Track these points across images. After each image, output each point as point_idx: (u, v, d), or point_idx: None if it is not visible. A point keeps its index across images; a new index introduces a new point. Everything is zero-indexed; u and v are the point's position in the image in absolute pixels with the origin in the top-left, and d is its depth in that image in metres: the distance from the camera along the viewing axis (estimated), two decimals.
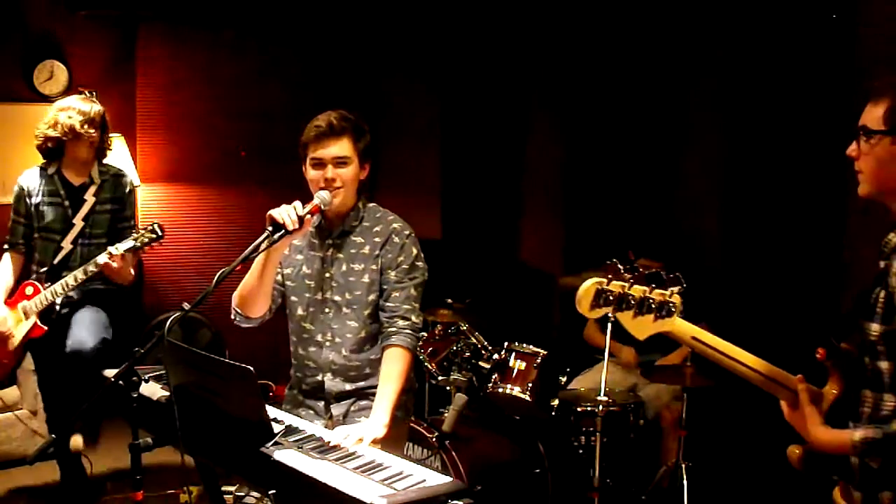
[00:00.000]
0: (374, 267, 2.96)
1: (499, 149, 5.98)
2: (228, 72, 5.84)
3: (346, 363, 2.98)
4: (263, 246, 2.74)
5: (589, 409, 4.11)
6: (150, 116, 5.74)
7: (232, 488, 3.23)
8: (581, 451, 4.18)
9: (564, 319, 5.67)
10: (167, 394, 2.64)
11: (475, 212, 6.06)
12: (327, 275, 3.00)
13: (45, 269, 4.12)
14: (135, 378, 2.55)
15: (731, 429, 4.44)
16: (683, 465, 4.14)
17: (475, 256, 5.89)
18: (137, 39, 5.67)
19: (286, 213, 2.73)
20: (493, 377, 4.17)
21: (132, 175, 5.14)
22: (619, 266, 1.99)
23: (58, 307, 4.10)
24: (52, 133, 4.05)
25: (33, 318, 4.07)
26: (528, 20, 5.66)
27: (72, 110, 4.06)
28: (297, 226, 2.73)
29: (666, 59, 5.13)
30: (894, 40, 3.87)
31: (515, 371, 4.14)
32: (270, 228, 2.73)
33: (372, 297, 2.96)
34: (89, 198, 4.14)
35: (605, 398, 4.03)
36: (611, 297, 1.96)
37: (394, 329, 2.92)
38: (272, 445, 2.38)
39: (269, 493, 2.33)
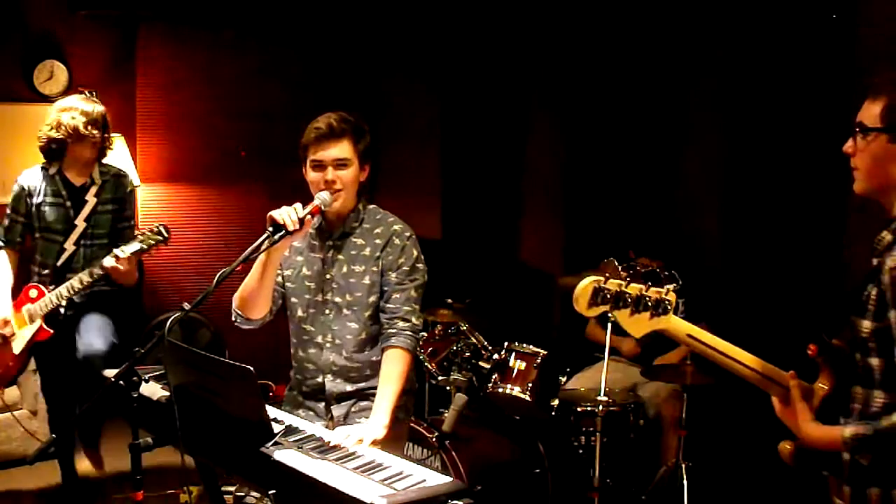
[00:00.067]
0: (374, 268, 2.96)
1: (499, 149, 5.98)
2: (228, 72, 5.84)
3: (347, 364, 2.98)
4: (264, 246, 2.74)
5: (589, 409, 4.11)
6: (150, 116, 5.74)
7: (232, 488, 3.23)
8: (581, 451, 4.18)
9: (564, 319, 5.67)
10: (167, 394, 2.64)
11: (475, 212, 6.06)
12: (328, 276, 3.00)
13: (47, 270, 4.11)
14: (135, 378, 2.55)
15: (731, 428, 4.45)
16: (683, 465, 4.15)
17: (475, 256, 5.89)
18: (137, 39, 5.67)
19: (286, 214, 2.73)
20: (493, 377, 4.17)
21: (132, 175, 5.13)
22: (616, 264, 2.00)
23: (62, 310, 4.09)
24: (55, 134, 4.03)
25: (39, 322, 4.06)
26: (528, 20, 5.66)
27: (74, 111, 4.04)
28: (297, 226, 2.73)
29: (666, 59, 5.13)
30: (894, 40, 3.87)
31: (515, 371, 4.14)
32: (271, 229, 2.73)
33: (372, 298, 2.96)
34: (91, 198, 4.13)
35: (605, 398, 4.03)
36: (608, 296, 1.97)
37: (394, 330, 2.92)
38: (272, 445, 2.38)
39: (269, 493, 2.33)
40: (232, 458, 2.51)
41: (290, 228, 2.72)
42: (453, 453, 3.82)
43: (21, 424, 4.77)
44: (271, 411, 2.66)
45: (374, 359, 2.98)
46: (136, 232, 4.08)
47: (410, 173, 6.14)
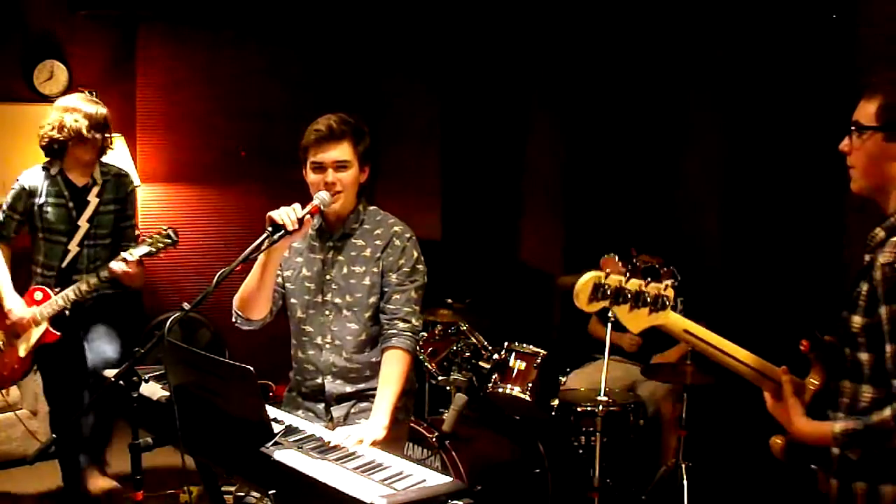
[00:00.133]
0: (375, 269, 2.96)
1: (499, 149, 5.98)
2: (228, 72, 5.84)
3: (347, 365, 2.98)
4: (264, 246, 2.74)
5: (589, 409, 4.11)
6: (150, 116, 5.74)
7: (232, 488, 3.23)
8: (581, 451, 4.18)
9: (564, 319, 5.67)
10: (167, 394, 2.65)
11: (475, 212, 6.06)
12: (327, 277, 3.00)
13: (51, 272, 4.10)
14: (135, 378, 2.55)
15: (731, 428, 4.45)
16: (683, 465, 4.15)
17: (475, 256, 5.89)
18: (137, 39, 5.67)
19: (285, 214, 2.73)
20: (493, 377, 4.17)
21: (132, 175, 5.13)
22: (617, 259, 2.01)
23: (66, 311, 4.08)
24: (56, 135, 4.01)
25: (45, 324, 4.05)
26: (528, 20, 5.66)
27: (77, 113, 4.01)
28: (296, 226, 2.74)
29: (666, 59, 5.13)
30: (894, 40, 3.88)
31: (515, 371, 4.14)
32: (270, 229, 2.74)
33: (372, 299, 2.96)
34: (93, 199, 4.12)
35: (605, 398, 4.03)
36: (608, 291, 1.99)
37: (394, 331, 2.92)
38: (272, 445, 2.38)
39: (269, 493, 2.33)
40: (232, 458, 2.51)
41: (290, 228, 2.72)
42: (453, 453, 3.82)
43: (23, 423, 4.78)
44: (271, 411, 2.66)
45: (373, 360, 2.98)
46: (145, 235, 4.08)
47: (410, 174, 6.14)
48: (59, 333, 4.07)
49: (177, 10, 5.62)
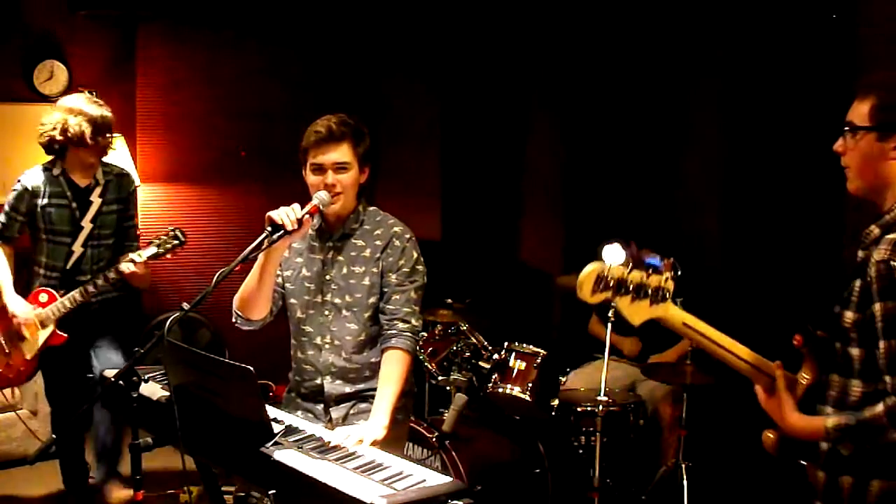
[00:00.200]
0: (374, 270, 2.96)
1: (499, 149, 5.98)
2: (228, 72, 5.84)
3: (346, 365, 2.98)
4: (263, 246, 2.74)
5: (589, 409, 4.11)
6: (150, 116, 5.74)
7: (232, 488, 3.23)
8: (581, 451, 4.18)
9: (564, 319, 5.68)
10: (167, 394, 2.65)
11: (475, 212, 6.06)
12: (327, 277, 3.00)
13: (55, 273, 4.08)
14: (135, 378, 2.55)
15: (731, 428, 4.44)
16: (683, 465, 4.15)
17: (475, 256, 5.89)
18: (137, 39, 5.66)
19: (284, 214, 2.73)
20: (493, 377, 4.17)
21: (132, 175, 5.13)
22: (621, 249, 2.02)
23: (71, 314, 4.07)
24: (59, 137, 3.95)
25: (51, 327, 4.04)
26: (528, 20, 5.66)
27: (81, 116, 3.95)
28: (295, 226, 2.74)
29: (666, 59, 5.13)
30: (894, 40, 3.88)
31: (515, 371, 4.14)
32: (269, 229, 2.74)
33: (372, 299, 2.96)
34: (95, 199, 4.11)
35: (605, 398, 4.03)
36: (610, 282, 2.00)
37: (394, 331, 2.92)
38: (272, 445, 2.39)
39: (269, 493, 2.33)
40: (232, 458, 2.51)
41: (289, 228, 2.72)
42: (453, 453, 3.82)
43: (23, 422, 4.78)
44: (271, 411, 2.66)
45: (372, 360, 2.98)
46: (153, 237, 4.09)
47: (410, 174, 6.14)
48: (66, 335, 4.06)
49: (177, 10, 5.61)
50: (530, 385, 4.08)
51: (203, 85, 5.81)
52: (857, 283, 2.11)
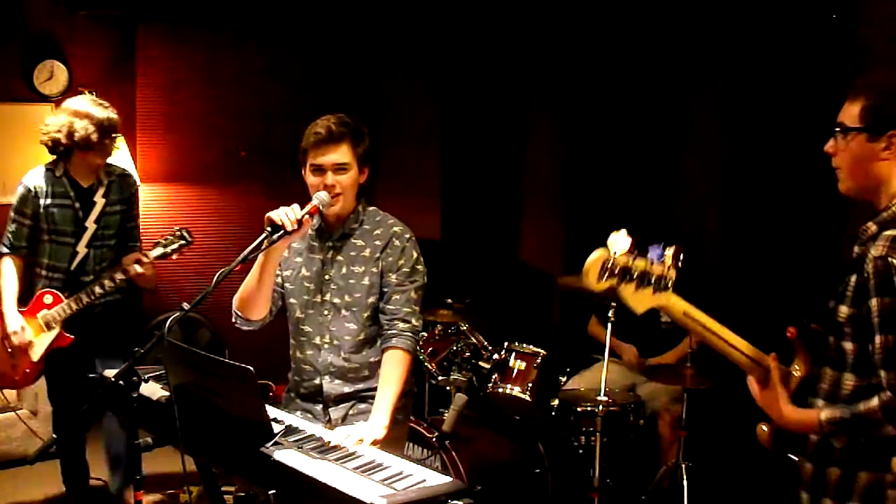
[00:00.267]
0: (374, 270, 2.96)
1: (499, 149, 5.98)
2: (228, 72, 5.84)
3: (345, 365, 2.98)
4: (263, 246, 2.74)
5: (589, 409, 4.11)
6: (150, 116, 5.74)
7: (232, 488, 3.23)
8: (581, 451, 4.18)
9: (564, 319, 5.67)
10: (167, 394, 2.64)
11: (475, 212, 6.06)
12: (326, 277, 3.00)
13: (58, 274, 4.05)
14: (135, 378, 2.55)
15: (731, 429, 4.44)
16: (683, 465, 4.15)
17: (475, 256, 5.89)
18: (137, 39, 5.66)
19: (284, 215, 2.73)
20: (493, 377, 4.17)
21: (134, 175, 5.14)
22: (626, 236, 2.03)
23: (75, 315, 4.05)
24: (64, 140, 3.92)
25: (57, 329, 4.02)
26: (528, 20, 5.66)
27: (88, 119, 3.90)
28: (295, 227, 2.74)
29: (666, 59, 5.13)
30: (894, 40, 3.88)
31: (515, 371, 4.14)
32: (269, 229, 2.74)
33: (371, 299, 2.96)
34: (99, 199, 4.08)
35: (605, 398, 4.03)
36: (616, 269, 2.00)
37: (394, 331, 2.92)
38: (272, 445, 2.38)
39: (270, 493, 2.33)
40: (232, 458, 2.51)
41: (289, 228, 2.72)
42: (453, 453, 3.82)
43: (23, 422, 4.78)
44: (271, 411, 2.66)
45: (371, 360, 2.98)
46: (159, 237, 4.09)
47: (410, 174, 6.14)
48: (72, 337, 4.04)
49: (177, 10, 5.61)
50: (530, 385, 4.08)
51: (203, 85, 5.81)
52: (853, 278, 2.13)
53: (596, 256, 1.99)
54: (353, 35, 6.00)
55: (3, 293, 4.04)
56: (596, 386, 4.14)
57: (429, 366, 4.39)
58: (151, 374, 2.84)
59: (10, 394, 4.81)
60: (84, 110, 3.95)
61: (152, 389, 2.73)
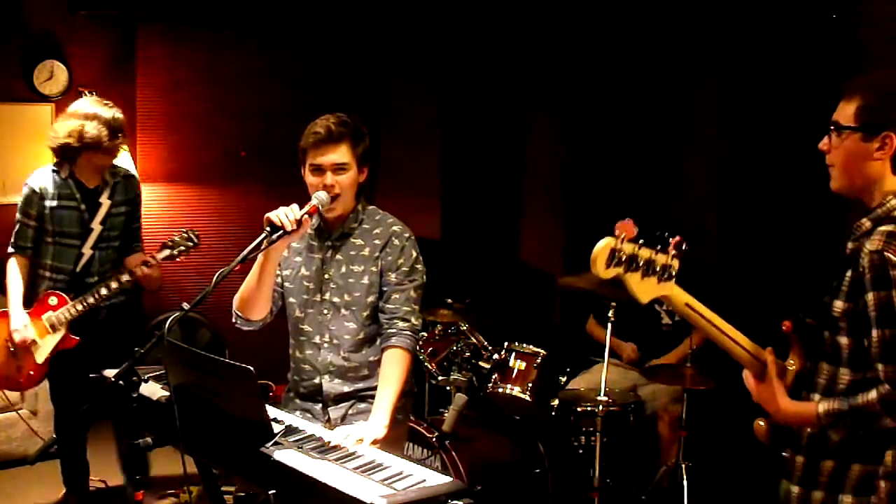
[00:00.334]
0: (373, 269, 2.97)
1: (499, 149, 5.97)
2: (228, 72, 5.84)
3: (345, 364, 2.98)
4: (262, 247, 2.74)
5: (589, 409, 4.11)
6: (150, 116, 5.74)
7: (232, 488, 3.23)
8: (581, 451, 4.18)
9: (564, 319, 5.67)
10: (167, 394, 2.64)
11: (475, 212, 6.06)
12: (326, 276, 3.00)
13: (63, 276, 4.04)
14: (135, 378, 2.55)
15: (731, 429, 4.44)
16: (683, 465, 4.15)
17: (475, 256, 5.89)
18: (137, 39, 5.67)
19: (283, 215, 2.73)
20: (493, 377, 4.17)
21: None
22: (633, 224, 2.04)
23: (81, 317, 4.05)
24: (75, 144, 3.90)
25: (63, 330, 4.01)
26: (528, 21, 5.66)
27: (97, 120, 3.90)
28: (294, 227, 2.74)
29: (666, 59, 5.12)
30: (894, 40, 3.88)
31: (515, 371, 4.14)
32: (268, 229, 2.73)
33: (371, 298, 2.96)
34: (104, 201, 4.07)
35: (605, 398, 4.03)
36: (623, 257, 2.01)
37: (394, 330, 2.92)
38: (272, 445, 2.38)
39: (270, 493, 2.33)
40: (232, 458, 2.51)
41: (288, 229, 2.72)
42: (453, 453, 3.82)
43: (24, 421, 4.77)
44: (271, 411, 2.66)
45: (371, 359, 2.98)
46: (166, 238, 4.09)
47: (410, 174, 6.14)
48: (77, 338, 4.04)
49: (177, 10, 5.62)
50: (530, 385, 4.08)
51: (203, 85, 5.81)
52: (849, 273, 2.15)
53: (604, 244, 2.00)
54: (353, 35, 6.00)
55: (9, 292, 4.04)
56: (596, 386, 4.14)
57: (429, 366, 4.39)
58: (151, 374, 2.84)
59: (11, 394, 4.80)
60: (91, 112, 3.96)
61: (152, 389, 2.73)
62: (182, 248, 4.02)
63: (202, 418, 2.51)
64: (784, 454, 2.31)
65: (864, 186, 2.22)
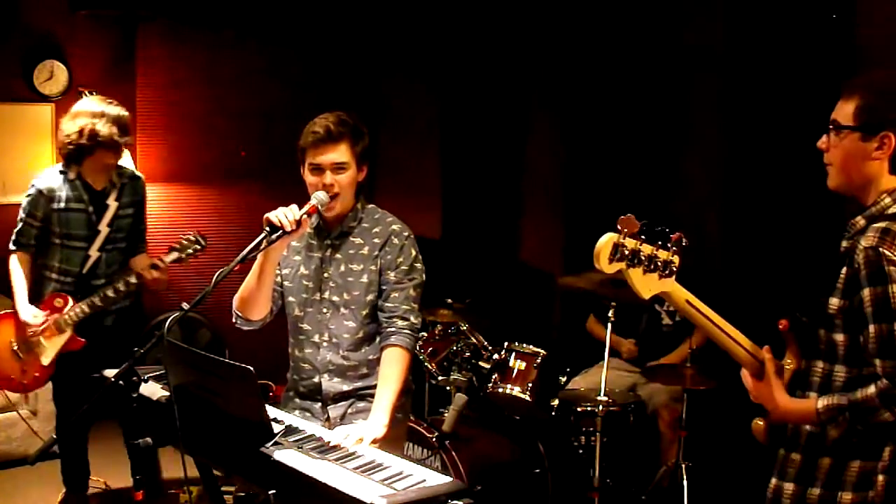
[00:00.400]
0: (373, 267, 2.97)
1: (499, 149, 5.97)
2: (229, 72, 5.84)
3: (344, 363, 2.98)
4: (262, 247, 2.74)
5: (589, 409, 4.11)
6: (150, 116, 5.74)
7: (232, 488, 3.23)
8: (581, 451, 4.18)
9: (564, 319, 5.67)
10: (167, 394, 2.64)
11: (475, 212, 6.06)
12: (325, 275, 3.00)
13: (70, 278, 4.03)
14: (135, 378, 2.55)
15: (731, 429, 4.44)
16: (683, 465, 4.15)
17: (475, 256, 5.89)
18: (137, 39, 5.67)
19: (283, 215, 2.73)
20: (493, 377, 4.17)
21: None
22: (635, 219, 2.04)
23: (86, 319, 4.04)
24: (87, 143, 3.88)
25: (69, 332, 4.01)
26: (528, 20, 5.66)
27: (106, 118, 3.89)
28: (294, 227, 2.74)
29: (666, 59, 5.12)
30: (894, 40, 3.88)
31: (515, 371, 4.14)
32: (268, 229, 2.73)
33: (370, 297, 2.96)
34: (112, 202, 4.07)
35: (605, 398, 4.03)
36: (625, 252, 2.01)
37: (393, 329, 2.92)
38: (272, 445, 2.38)
39: (270, 493, 2.33)
40: (232, 458, 2.51)
41: (287, 229, 2.72)
42: (453, 453, 3.82)
43: (24, 421, 4.77)
44: (271, 411, 2.66)
45: (370, 357, 2.98)
46: (174, 241, 4.09)
47: (410, 173, 6.14)
48: (84, 340, 4.02)
49: (177, 10, 5.62)
50: (530, 385, 4.08)
51: (203, 85, 5.81)
52: (844, 270, 2.16)
53: (607, 239, 2.00)
54: (353, 35, 6.00)
55: (14, 288, 4.04)
56: (596, 386, 4.14)
57: (429, 366, 4.39)
58: (151, 374, 2.84)
59: (12, 394, 4.80)
60: (99, 110, 3.95)
61: (152, 389, 2.73)
62: (190, 250, 4.02)
63: (202, 418, 2.50)
64: (780, 452, 2.31)
65: (861, 185, 2.23)
